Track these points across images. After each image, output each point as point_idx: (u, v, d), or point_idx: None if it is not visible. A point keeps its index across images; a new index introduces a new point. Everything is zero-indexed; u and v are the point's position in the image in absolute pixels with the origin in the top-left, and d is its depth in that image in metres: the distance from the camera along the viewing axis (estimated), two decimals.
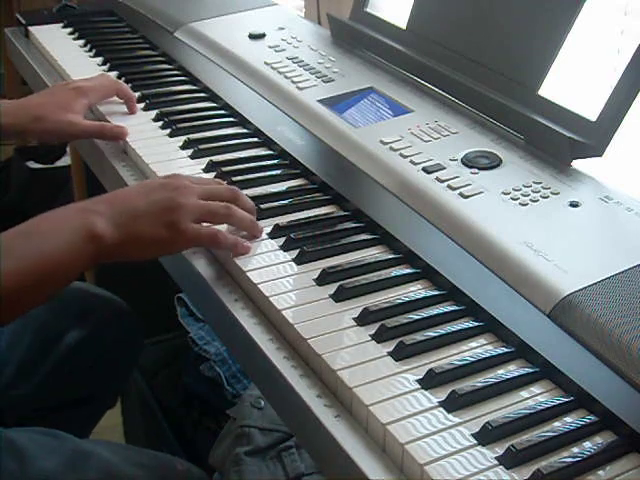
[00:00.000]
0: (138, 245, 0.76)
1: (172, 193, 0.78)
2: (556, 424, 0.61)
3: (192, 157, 1.00)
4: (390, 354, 0.67)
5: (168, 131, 1.06)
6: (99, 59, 1.33)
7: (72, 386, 1.14)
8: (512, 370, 0.66)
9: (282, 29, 1.31)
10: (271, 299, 0.73)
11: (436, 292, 0.75)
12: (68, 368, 1.12)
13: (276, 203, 0.88)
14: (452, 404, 0.62)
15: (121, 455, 0.93)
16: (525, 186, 0.84)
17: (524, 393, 0.64)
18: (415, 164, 0.89)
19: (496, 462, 0.57)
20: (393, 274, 0.77)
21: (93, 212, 0.75)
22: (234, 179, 0.93)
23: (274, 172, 0.96)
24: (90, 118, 1.11)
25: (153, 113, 1.11)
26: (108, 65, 1.29)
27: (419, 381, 0.64)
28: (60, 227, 0.73)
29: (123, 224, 0.75)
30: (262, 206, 0.87)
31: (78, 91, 1.07)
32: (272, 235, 0.83)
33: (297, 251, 0.80)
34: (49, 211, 0.75)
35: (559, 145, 0.88)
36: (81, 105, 1.06)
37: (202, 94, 1.18)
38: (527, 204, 0.81)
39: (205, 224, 0.80)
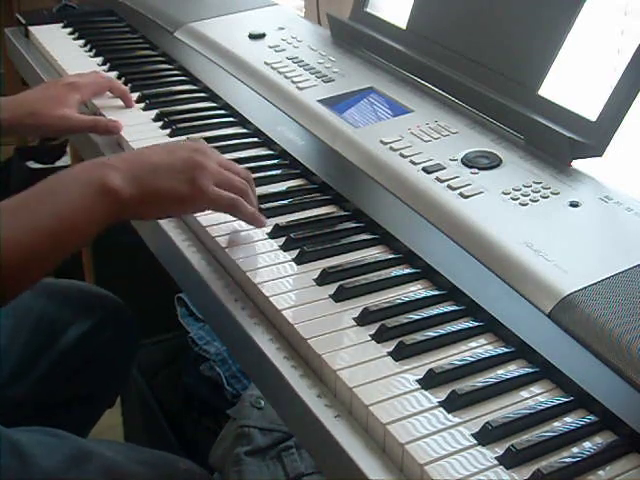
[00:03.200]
0: (157, 201, 0.75)
1: (194, 153, 0.78)
2: (556, 424, 0.61)
3: None
4: (390, 354, 0.67)
5: (168, 131, 1.06)
6: (99, 59, 1.33)
7: (70, 384, 1.14)
8: (512, 370, 0.66)
9: (282, 29, 1.31)
10: (271, 299, 0.73)
11: (436, 292, 0.74)
12: (66, 366, 1.12)
13: (276, 203, 0.88)
14: (452, 404, 0.62)
15: (123, 454, 0.93)
16: (525, 186, 0.84)
17: (524, 393, 0.64)
18: (415, 164, 0.89)
19: (496, 462, 0.57)
20: (393, 274, 0.77)
21: (107, 166, 0.73)
22: None
23: (274, 172, 0.96)
24: (87, 113, 1.12)
25: (153, 113, 1.11)
26: (108, 65, 1.29)
27: (419, 381, 0.64)
28: (72, 182, 0.71)
29: (141, 178, 0.73)
30: (262, 206, 0.87)
31: (71, 86, 1.09)
32: (272, 235, 0.83)
33: (297, 251, 0.80)
34: (62, 170, 0.73)
35: (559, 145, 0.88)
36: (74, 100, 1.07)
37: (202, 94, 1.18)
38: (527, 204, 0.81)
39: None
